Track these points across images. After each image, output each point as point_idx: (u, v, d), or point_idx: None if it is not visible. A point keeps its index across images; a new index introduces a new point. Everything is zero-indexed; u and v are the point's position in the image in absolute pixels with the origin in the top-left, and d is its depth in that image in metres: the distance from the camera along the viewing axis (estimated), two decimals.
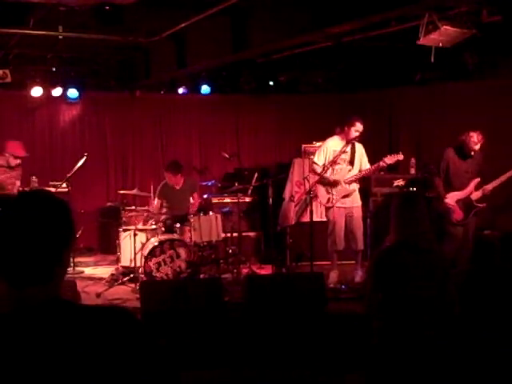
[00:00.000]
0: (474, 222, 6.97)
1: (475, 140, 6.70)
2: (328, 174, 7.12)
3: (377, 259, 3.46)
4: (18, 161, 7.89)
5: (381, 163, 7.03)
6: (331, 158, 7.10)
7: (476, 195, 6.85)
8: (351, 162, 7.18)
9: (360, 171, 7.19)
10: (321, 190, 7.24)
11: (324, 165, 7.12)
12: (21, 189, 7.81)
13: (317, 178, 7.22)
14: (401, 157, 7.04)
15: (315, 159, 7.26)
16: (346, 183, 7.14)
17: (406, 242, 3.37)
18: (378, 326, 3.31)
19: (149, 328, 1.48)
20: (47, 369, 1.33)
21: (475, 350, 4.63)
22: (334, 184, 7.12)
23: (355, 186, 7.24)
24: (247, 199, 8.92)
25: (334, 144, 7.19)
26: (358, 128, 7.00)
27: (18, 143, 7.97)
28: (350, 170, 7.18)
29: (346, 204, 7.16)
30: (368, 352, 3.42)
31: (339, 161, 7.12)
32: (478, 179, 6.85)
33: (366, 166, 7.23)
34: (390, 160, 6.99)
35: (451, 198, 6.89)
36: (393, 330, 3.25)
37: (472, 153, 6.80)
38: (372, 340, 3.32)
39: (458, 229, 6.91)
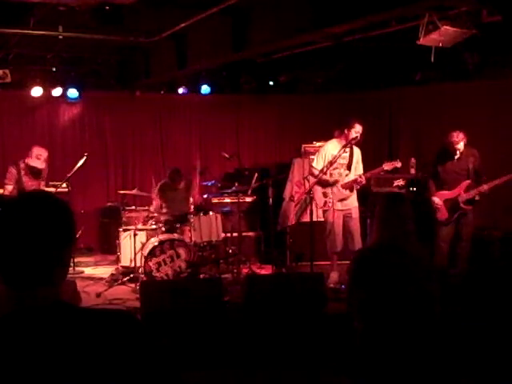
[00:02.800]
0: (467, 223, 6.95)
1: (455, 139, 6.79)
2: (327, 178, 7.14)
3: (357, 259, 3.45)
4: (43, 166, 7.57)
5: (379, 170, 7.10)
6: (332, 162, 7.09)
7: (463, 197, 6.85)
8: (349, 167, 7.22)
9: (359, 176, 7.19)
10: (318, 194, 7.26)
11: (322, 169, 7.13)
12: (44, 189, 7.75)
13: (315, 180, 7.23)
14: (399, 164, 7.10)
15: (314, 164, 7.28)
16: (342, 188, 7.18)
17: (387, 243, 3.34)
18: (359, 327, 3.31)
19: (149, 330, 1.48)
20: (47, 371, 1.33)
21: (474, 349, 4.64)
22: (332, 185, 7.14)
23: (351, 190, 7.26)
24: (247, 199, 8.92)
25: (332, 147, 7.20)
26: (357, 129, 7.00)
27: (36, 149, 7.54)
28: (347, 175, 7.21)
29: (343, 206, 7.20)
30: (351, 353, 3.40)
31: (337, 165, 7.14)
32: (467, 181, 6.85)
33: (361, 171, 7.26)
34: (388, 166, 7.05)
35: (440, 198, 6.94)
36: (374, 331, 3.24)
37: (457, 152, 6.85)
38: (355, 341, 3.32)
39: (442, 228, 6.96)
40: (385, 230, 3.36)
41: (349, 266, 3.56)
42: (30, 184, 7.59)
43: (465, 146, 6.86)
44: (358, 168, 7.28)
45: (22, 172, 7.54)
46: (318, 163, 7.20)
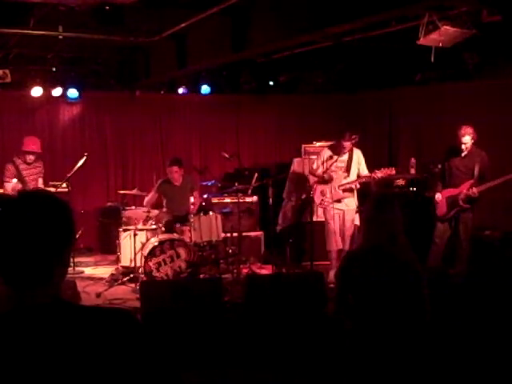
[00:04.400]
0: (465, 222, 6.96)
1: (462, 132, 6.79)
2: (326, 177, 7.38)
3: (344, 262, 3.44)
4: (32, 157, 7.83)
5: (372, 175, 7.24)
6: (327, 166, 7.34)
7: (463, 195, 6.86)
8: (347, 170, 7.40)
9: (358, 177, 7.41)
10: (317, 192, 7.46)
11: (323, 170, 7.40)
12: (42, 187, 7.84)
13: (316, 179, 7.52)
14: (393, 171, 7.22)
15: (314, 166, 7.60)
16: (339, 188, 7.34)
17: (375, 244, 3.31)
18: (348, 329, 3.29)
19: (149, 329, 1.48)
20: (46, 369, 1.33)
21: (473, 350, 4.64)
22: (327, 180, 7.33)
23: (350, 192, 7.44)
24: (247, 199, 8.92)
25: (328, 152, 7.47)
26: (346, 144, 7.23)
27: (29, 138, 7.94)
28: (345, 177, 7.40)
29: (339, 207, 7.40)
30: (340, 354, 3.39)
31: (335, 168, 7.34)
32: (471, 181, 6.84)
33: (365, 171, 7.42)
34: (381, 173, 7.19)
35: (443, 194, 6.99)
36: (362, 333, 3.23)
37: (462, 146, 6.83)
38: (343, 342, 3.31)
39: (439, 225, 7.02)
40: (371, 232, 3.33)
41: (337, 269, 3.55)
42: (28, 173, 7.83)
43: (474, 145, 6.85)
44: (361, 169, 7.46)
45: (20, 166, 7.70)
46: (318, 165, 7.53)
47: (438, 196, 6.99)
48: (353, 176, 7.38)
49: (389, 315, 3.19)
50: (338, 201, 7.37)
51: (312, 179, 7.69)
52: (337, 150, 7.36)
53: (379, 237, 3.28)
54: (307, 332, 5.28)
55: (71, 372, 1.33)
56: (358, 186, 7.48)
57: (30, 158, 7.83)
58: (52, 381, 1.33)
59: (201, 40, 7.42)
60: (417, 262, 3.34)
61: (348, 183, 7.35)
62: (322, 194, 7.40)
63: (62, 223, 1.44)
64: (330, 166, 7.27)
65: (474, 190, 6.75)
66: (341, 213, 7.40)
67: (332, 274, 7.29)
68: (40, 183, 7.99)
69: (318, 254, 7.55)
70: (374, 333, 3.18)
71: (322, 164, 7.37)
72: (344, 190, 7.36)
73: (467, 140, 6.78)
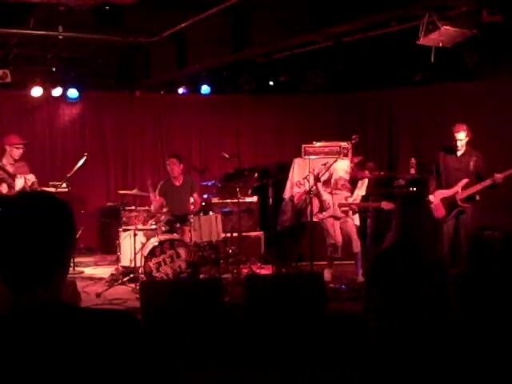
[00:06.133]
0: (465, 222, 6.94)
1: (456, 129, 6.78)
2: (327, 196, 7.41)
3: (373, 261, 3.44)
4: (21, 150, 7.70)
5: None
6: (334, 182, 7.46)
7: (461, 195, 6.81)
8: (352, 191, 7.43)
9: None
10: (315, 202, 7.47)
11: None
12: (36, 184, 7.78)
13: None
14: (360, 158, 7.50)
15: (321, 177, 7.55)
16: (339, 207, 7.33)
17: (404, 242, 3.34)
18: (376, 328, 3.30)
19: (150, 330, 1.48)
20: (47, 372, 1.32)
21: (474, 350, 4.64)
22: (324, 207, 7.42)
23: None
24: (247, 199, 8.92)
25: (338, 171, 7.49)
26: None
27: (10, 135, 7.82)
28: (348, 198, 7.40)
29: (337, 214, 7.43)
30: (366, 354, 3.40)
31: (340, 187, 7.39)
32: (466, 180, 6.81)
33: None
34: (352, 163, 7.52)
35: (436, 196, 6.94)
36: (391, 332, 3.24)
37: (458, 145, 6.82)
38: (370, 342, 3.31)
39: (442, 226, 6.95)
40: (402, 230, 3.35)
41: (366, 268, 3.55)
42: (21, 171, 7.64)
43: (469, 145, 6.84)
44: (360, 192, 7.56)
45: (7, 167, 7.63)
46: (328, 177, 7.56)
47: (432, 199, 6.92)
48: (355, 196, 7.42)
49: (418, 315, 3.20)
50: (336, 218, 7.41)
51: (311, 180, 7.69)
52: (355, 172, 7.46)
53: (411, 236, 3.31)
54: (307, 332, 5.28)
55: (72, 375, 1.33)
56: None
57: (20, 152, 7.70)
58: (53, 383, 1.33)
59: (201, 40, 7.43)
60: (445, 261, 3.38)
61: (346, 204, 7.32)
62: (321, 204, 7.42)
63: (62, 224, 1.43)
64: (336, 183, 7.36)
65: (500, 175, 6.54)
66: (341, 217, 7.43)
67: (326, 273, 7.29)
68: (35, 184, 7.89)
69: (318, 253, 7.55)
70: (404, 331, 3.19)
71: (330, 175, 7.40)
72: (343, 210, 7.35)
73: (462, 136, 6.76)
